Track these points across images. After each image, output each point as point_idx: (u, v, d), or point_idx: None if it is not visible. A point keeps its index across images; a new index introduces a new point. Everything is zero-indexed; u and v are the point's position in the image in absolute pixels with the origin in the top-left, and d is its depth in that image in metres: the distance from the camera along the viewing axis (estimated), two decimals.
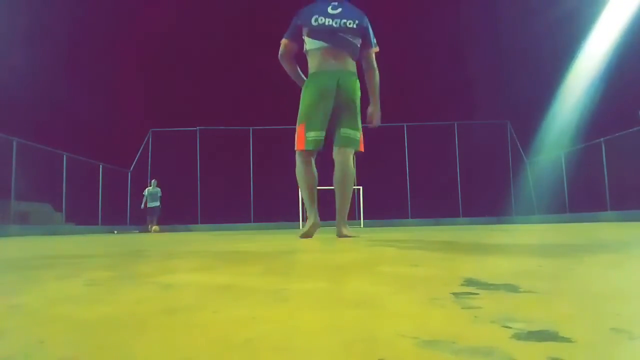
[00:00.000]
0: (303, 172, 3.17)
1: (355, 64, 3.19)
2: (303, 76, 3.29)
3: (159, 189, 13.83)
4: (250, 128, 16.85)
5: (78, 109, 14.70)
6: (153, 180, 13.96)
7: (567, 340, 0.45)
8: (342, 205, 3.17)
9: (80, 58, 16.07)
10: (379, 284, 0.90)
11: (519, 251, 1.80)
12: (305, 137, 3.07)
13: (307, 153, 3.13)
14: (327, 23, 3.04)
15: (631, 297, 0.72)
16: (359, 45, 3.14)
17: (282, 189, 13.58)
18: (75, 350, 0.46)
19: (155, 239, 4.56)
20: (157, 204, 13.63)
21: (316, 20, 3.05)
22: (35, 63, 13.18)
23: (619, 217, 10.57)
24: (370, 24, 3.17)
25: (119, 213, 15.41)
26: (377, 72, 3.23)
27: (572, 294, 0.75)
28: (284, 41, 3.21)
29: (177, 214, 15.64)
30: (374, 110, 3.31)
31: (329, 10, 3.07)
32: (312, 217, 3.19)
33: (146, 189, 13.88)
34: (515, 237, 3.12)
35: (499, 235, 3.59)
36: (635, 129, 11.00)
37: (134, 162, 16.49)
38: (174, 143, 16.91)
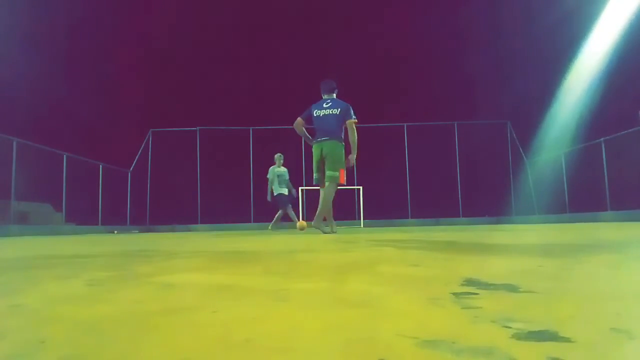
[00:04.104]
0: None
1: (338, 132, 5.23)
2: (308, 135, 5.44)
3: (286, 169, 9.36)
4: (250, 128, 16.84)
5: (78, 109, 14.69)
6: (278, 155, 9.27)
7: (567, 340, 0.45)
8: (320, 211, 5.42)
9: (80, 58, 16.06)
10: (379, 284, 0.90)
11: (519, 251, 1.79)
12: (314, 176, 5.45)
13: (316, 184, 5.53)
14: (321, 114, 5.27)
15: (631, 297, 0.72)
16: (340, 122, 5.23)
17: None
18: (75, 350, 0.46)
19: (155, 240, 4.55)
20: (287, 189, 9.27)
21: (317, 112, 5.30)
22: (35, 63, 13.18)
23: (619, 217, 10.56)
24: (349, 107, 5.26)
25: (119, 213, 15.39)
26: (354, 133, 5.20)
27: (572, 294, 0.75)
28: (299, 119, 5.36)
29: (177, 214, 15.64)
30: (352, 157, 5.34)
31: (324, 105, 5.31)
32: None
33: (271, 169, 9.26)
34: (515, 237, 3.12)
35: (499, 235, 3.59)
36: (635, 129, 10.99)
37: (134, 162, 16.47)
38: (174, 143, 16.89)
